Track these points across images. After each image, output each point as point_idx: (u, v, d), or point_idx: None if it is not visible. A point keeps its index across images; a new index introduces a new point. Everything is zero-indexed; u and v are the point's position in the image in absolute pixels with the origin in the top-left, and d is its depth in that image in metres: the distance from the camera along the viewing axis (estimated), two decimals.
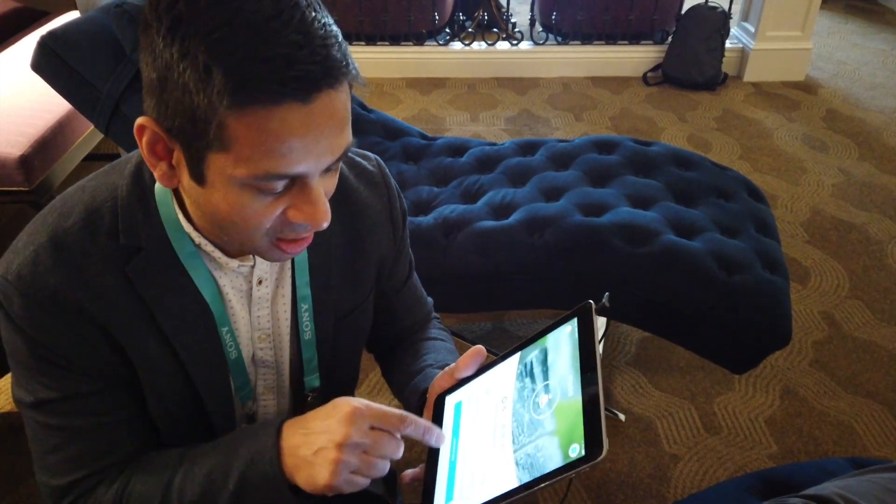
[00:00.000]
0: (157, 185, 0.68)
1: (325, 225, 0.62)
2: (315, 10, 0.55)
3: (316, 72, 0.53)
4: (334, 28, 0.56)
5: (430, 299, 1.00)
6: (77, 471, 0.70)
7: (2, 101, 2.09)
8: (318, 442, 0.62)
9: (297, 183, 0.60)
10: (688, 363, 1.92)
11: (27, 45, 2.45)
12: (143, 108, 0.59)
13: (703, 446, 1.69)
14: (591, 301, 0.63)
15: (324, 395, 0.87)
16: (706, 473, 1.63)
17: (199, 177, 0.59)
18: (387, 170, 0.86)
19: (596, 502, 1.55)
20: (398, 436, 0.65)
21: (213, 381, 0.76)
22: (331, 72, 0.54)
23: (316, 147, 0.57)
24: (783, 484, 0.96)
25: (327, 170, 0.61)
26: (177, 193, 0.68)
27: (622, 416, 1.76)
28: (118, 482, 0.70)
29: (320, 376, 0.85)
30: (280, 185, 0.59)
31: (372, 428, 0.63)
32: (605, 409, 1.75)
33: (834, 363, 1.93)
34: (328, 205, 0.62)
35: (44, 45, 1.51)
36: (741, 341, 1.46)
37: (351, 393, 1.01)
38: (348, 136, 0.60)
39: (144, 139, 0.60)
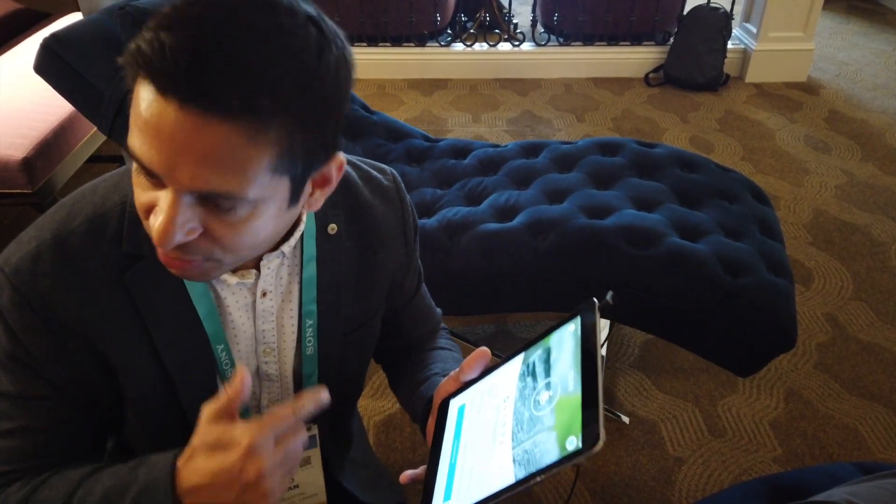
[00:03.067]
0: None
1: (165, 245, 0.57)
2: (267, 38, 0.52)
3: (190, 83, 0.50)
4: (278, 70, 0.52)
5: (438, 310, 0.99)
6: (5, 464, 0.70)
7: (4, 103, 2.08)
8: (232, 488, 0.58)
9: (163, 187, 0.56)
10: (691, 365, 1.92)
11: (30, 46, 2.45)
12: None
13: (708, 449, 1.69)
14: (594, 299, 0.63)
15: (327, 410, 0.87)
16: (710, 476, 1.62)
17: None
18: (402, 184, 0.85)
19: None
20: (296, 423, 0.61)
21: (202, 398, 0.74)
22: (206, 96, 0.51)
23: (165, 153, 0.53)
24: (791, 490, 0.95)
25: (211, 202, 0.56)
26: None
27: (626, 419, 1.75)
28: (31, 485, 0.70)
29: None
30: (141, 170, 0.56)
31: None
32: (609, 411, 1.76)
33: (838, 365, 1.92)
34: (179, 229, 0.56)
35: (46, 48, 1.51)
36: (746, 344, 1.45)
37: (355, 406, 1.00)
38: (232, 185, 0.55)
39: None
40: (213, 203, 0.57)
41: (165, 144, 0.53)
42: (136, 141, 0.54)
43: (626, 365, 1.92)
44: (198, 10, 0.52)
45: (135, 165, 0.57)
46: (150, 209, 0.58)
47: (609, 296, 0.64)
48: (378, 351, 0.93)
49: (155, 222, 0.57)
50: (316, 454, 0.87)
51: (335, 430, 0.92)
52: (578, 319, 0.63)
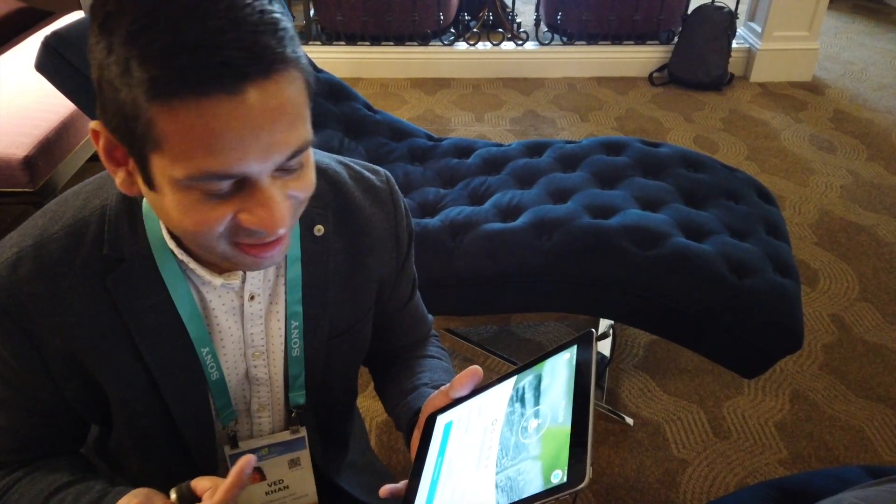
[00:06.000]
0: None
1: (282, 231, 0.57)
2: None
3: (242, 59, 0.49)
4: (276, 15, 0.51)
5: (430, 317, 0.97)
6: None
7: (6, 102, 2.08)
8: None
9: (246, 184, 0.54)
10: (696, 366, 1.91)
11: (31, 45, 2.45)
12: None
13: (713, 451, 1.68)
14: (592, 330, 0.63)
15: (317, 413, 0.86)
16: (716, 478, 1.61)
17: (149, 181, 0.55)
18: (396, 186, 0.82)
19: None
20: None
21: (190, 401, 0.74)
22: (262, 60, 0.50)
23: (255, 144, 0.51)
24: (799, 493, 0.94)
25: (284, 170, 0.56)
26: None
27: (630, 421, 1.74)
28: (7, 479, 0.72)
29: (310, 394, 0.82)
30: (224, 185, 0.54)
31: None
32: (613, 412, 1.75)
33: (844, 367, 1.91)
34: (285, 209, 0.56)
35: (48, 46, 1.50)
36: (752, 346, 1.44)
37: (350, 409, 0.98)
38: (301, 133, 0.54)
39: (101, 144, 0.57)
40: (288, 165, 0.56)
41: (254, 136, 0.51)
42: (214, 160, 0.51)
43: (631, 366, 1.91)
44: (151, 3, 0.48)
45: (198, 195, 0.54)
46: (220, 219, 0.56)
47: (608, 327, 0.65)
48: (367, 355, 0.91)
49: (254, 219, 0.55)
50: (305, 455, 0.85)
51: (326, 434, 0.90)
52: (574, 349, 0.62)
